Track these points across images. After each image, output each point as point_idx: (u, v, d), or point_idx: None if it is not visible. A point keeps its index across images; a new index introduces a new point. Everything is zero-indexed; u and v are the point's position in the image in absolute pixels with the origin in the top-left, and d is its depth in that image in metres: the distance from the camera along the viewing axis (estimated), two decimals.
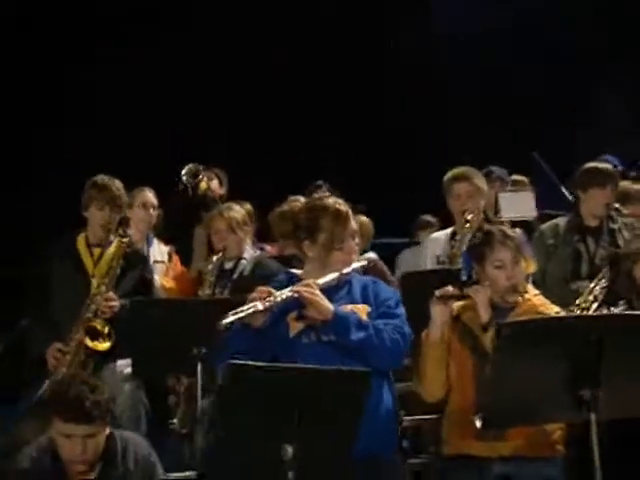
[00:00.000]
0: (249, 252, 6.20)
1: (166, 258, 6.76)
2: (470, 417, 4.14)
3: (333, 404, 3.62)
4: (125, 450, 4.10)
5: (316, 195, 8.65)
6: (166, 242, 6.89)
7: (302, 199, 4.85)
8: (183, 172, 7.40)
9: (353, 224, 4.33)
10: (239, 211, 6.21)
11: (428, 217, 8.51)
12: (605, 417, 3.57)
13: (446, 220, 6.65)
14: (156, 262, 6.63)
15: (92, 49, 10.49)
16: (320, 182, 8.86)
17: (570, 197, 8.96)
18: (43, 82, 10.31)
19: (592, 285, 5.93)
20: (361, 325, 4.12)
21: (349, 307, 4.22)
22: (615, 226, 6.25)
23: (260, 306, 3.98)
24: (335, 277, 4.24)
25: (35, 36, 10.46)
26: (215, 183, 7.43)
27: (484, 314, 4.35)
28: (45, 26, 10.58)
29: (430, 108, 10.81)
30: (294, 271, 4.45)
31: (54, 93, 10.36)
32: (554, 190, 8.68)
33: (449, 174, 6.33)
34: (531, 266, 4.52)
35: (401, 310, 4.29)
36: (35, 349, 5.73)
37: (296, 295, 4.08)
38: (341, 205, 4.32)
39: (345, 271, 4.27)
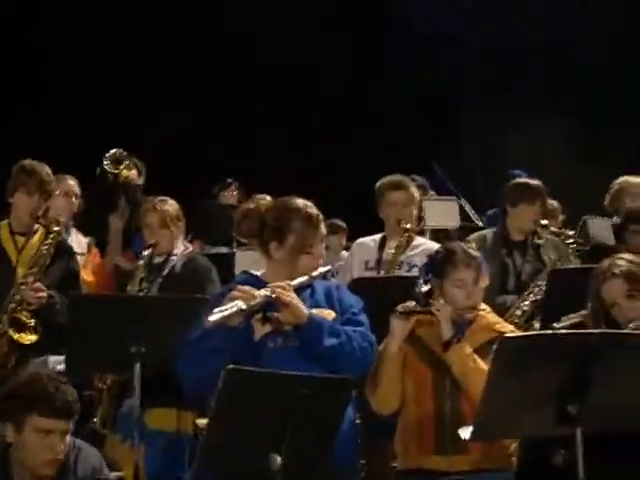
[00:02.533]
0: (179, 248, 6.03)
1: (85, 249, 6.52)
2: (435, 430, 4.22)
3: (320, 412, 3.55)
4: (77, 458, 3.93)
5: (225, 192, 8.77)
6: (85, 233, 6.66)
7: (268, 198, 4.73)
8: (105, 157, 7.14)
9: (323, 228, 4.25)
10: (172, 205, 6.03)
11: (338, 221, 8.48)
12: (590, 431, 3.61)
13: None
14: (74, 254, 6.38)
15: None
16: (230, 180, 8.80)
17: (466, 207, 9.15)
18: None
19: (520, 299, 6.08)
20: (334, 331, 4.03)
21: (314, 311, 4.12)
22: (540, 241, 6.36)
23: (243, 305, 3.85)
24: (305, 280, 4.16)
25: None
26: (134, 173, 7.20)
27: (446, 331, 4.32)
28: None
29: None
30: (253, 272, 4.33)
31: None
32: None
33: (384, 181, 6.31)
34: (486, 281, 4.53)
35: (365, 317, 4.23)
36: None
37: (273, 296, 3.97)
38: (312, 208, 4.23)
39: (314, 274, 4.19)
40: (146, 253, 5.84)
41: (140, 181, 7.27)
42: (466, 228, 7.45)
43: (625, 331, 3.99)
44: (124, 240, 6.91)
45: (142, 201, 6.60)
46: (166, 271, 5.89)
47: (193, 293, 5.26)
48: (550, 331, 4.18)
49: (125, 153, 7.12)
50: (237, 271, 5.75)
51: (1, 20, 10.44)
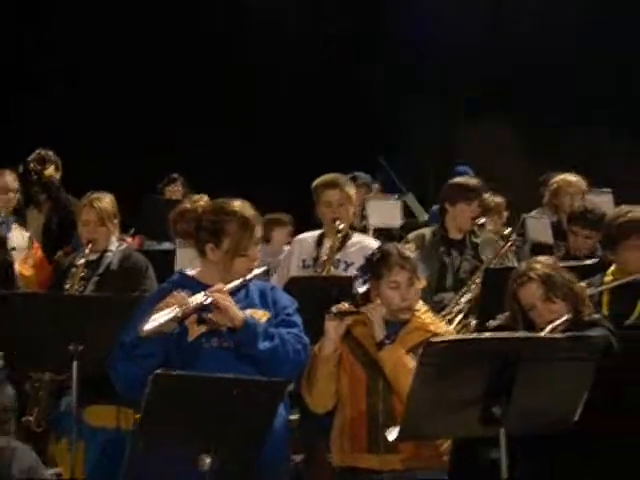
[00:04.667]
0: (114, 245, 6.05)
1: (26, 244, 6.52)
2: (361, 429, 4.29)
3: (251, 413, 3.61)
4: (12, 458, 3.96)
5: (171, 188, 8.79)
6: None
7: (206, 198, 4.76)
8: (30, 158, 7.21)
9: (258, 231, 4.30)
10: (109, 202, 6.04)
11: (282, 215, 8.51)
12: (513, 432, 3.70)
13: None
14: (13, 249, 6.39)
15: None
16: (175, 175, 8.82)
17: (413, 203, 9.25)
18: None
19: (457, 297, 6.17)
20: (268, 334, 4.09)
21: (248, 312, 4.17)
22: (478, 240, 6.46)
23: (178, 312, 3.90)
24: (240, 283, 4.21)
25: None
26: (52, 168, 7.26)
27: (379, 332, 4.39)
28: None
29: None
30: (188, 272, 4.37)
31: None
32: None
33: (319, 181, 6.27)
34: (422, 283, 4.60)
35: (299, 318, 4.28)
36: None
37: (209, 301, 4.02)
38: (249, 211, 4.26)
39: (249, 277, 4.24)
40: (87, 251, 5.86)
41: (57, 176, 7.34)
42: (409, 226, 7.53)
43: (542, 335, 4.08)
44: (62, 236, 6.94)
45: (64, 198, 6.64)
46: (102, 268, 5.90)
47: (130, 290, 5.29)
48: (473, 335, 4.28)
49: (50, 153, 7.18)
50: (177, 267, 5.79)
51: None
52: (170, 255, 6.33)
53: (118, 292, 5.39)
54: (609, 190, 7.54)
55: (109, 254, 5.96)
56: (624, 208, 5.10)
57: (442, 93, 11.19)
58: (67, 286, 5.79)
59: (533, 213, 7.57)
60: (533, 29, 11.14)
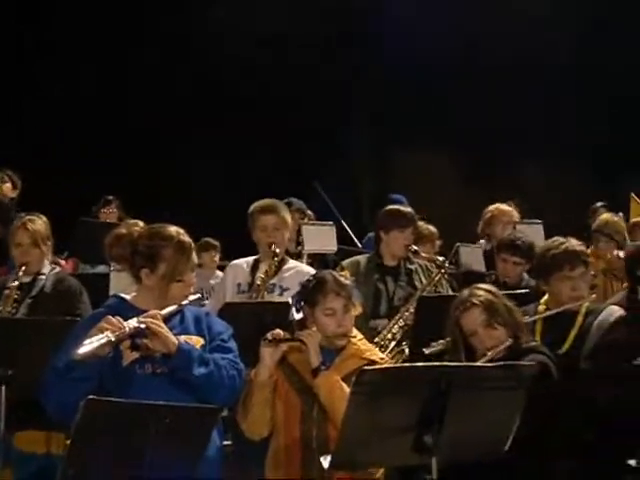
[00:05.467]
0: (47, 267, 6.00)
1: None
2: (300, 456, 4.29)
3: (183, 440, 3.59)
4: None
5: (106, 210, 8.73)
6: None
7: (141, 224, 4.75)
8: None
9: (194, 257, 4.30)
10: (43, 224, 5.99)
11: (210, 239, 8.55)
12: (445, 461, 3.73)
13: None
14: None
15: None
16: (110, 197, 8.77)
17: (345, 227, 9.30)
18: None
19: (391, 324, 6.20)
20: (203, 360, 4.08)
21: (182, 338, 4.16)
22: (412, 267, 6.50)
23: (112, 337, 3.87)
24: (175, 309, 4.20)
25: None
26: (8, 186, 7.17)
27: (315, 359, 4.39)
28: None
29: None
30: (123, 295, 4.35)
31: None
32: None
33: (255, 205, 6.29)
34: (357, 309, 4.62)
35: (234, 344, 4.28)
36: None
37: (143, 326, 4.00)
38: (184, 236, 4.27)
39: (184, 303, 4.24)
40: (21, 273, 5.80)
41: (14, 194, 7.25)
42: (344, 252, 7.56)
43: (477, 364, 4.13)
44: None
45: (14, 216, 6.56)
46: (35, 291, 5.85)
47: (63, 314, 5.24)
48: (408, 363, 4.29)
49: (10, 172, 7.10)
50: (112, 291, 5.75)
51: None
52: (105, 279, 6.30)
53: (51, 315, 5.34)
54: (539, 221, 7.67)
55: (42, 277, 5.91)
56: (557, 239, 5.18)
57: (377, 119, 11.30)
58: (0, 307, 5.72)
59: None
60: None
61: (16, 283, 5.76)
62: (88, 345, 3.82)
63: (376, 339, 6.02)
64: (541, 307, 5.07)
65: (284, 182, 8.77)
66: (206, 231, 8.62)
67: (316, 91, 11.32)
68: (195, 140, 10.93)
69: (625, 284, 6.41)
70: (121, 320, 3.97)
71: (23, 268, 5.81)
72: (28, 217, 6.01)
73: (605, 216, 7.46)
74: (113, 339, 3.88)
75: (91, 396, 3.52)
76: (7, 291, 5.75)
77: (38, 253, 5.89)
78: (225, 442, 4.79)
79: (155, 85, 10.98)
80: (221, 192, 10.32)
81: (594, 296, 5.44)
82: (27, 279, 5.88)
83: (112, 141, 10.76)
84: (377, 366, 3.95)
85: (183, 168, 10.70)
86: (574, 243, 5.08)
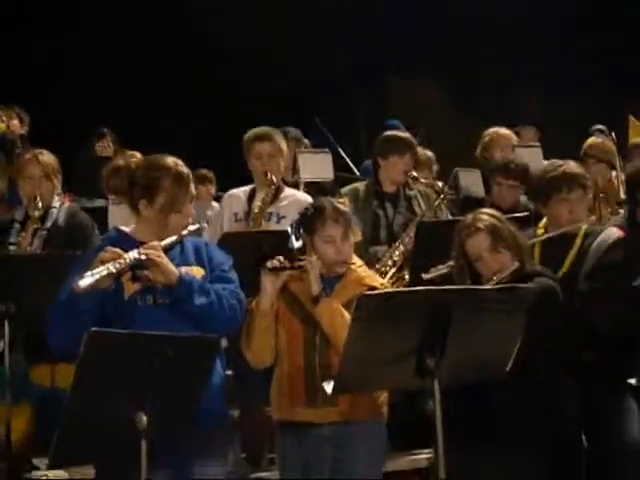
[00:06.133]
0: (57, 201, 5.99)
1: None
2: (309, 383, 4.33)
3: (186, 370, 3.61)
4: None
5: (100, 143, 8.67)
6: None
7: (139, 155, 4.71)
8: None
9: (193, 187, 4.28)
10: (52, 157, 5.94)
11: (205, 171, 8.52)
12: (445, 383, 3.75)
13: None
14: None
15: None
16: (104, 130, 8.71)
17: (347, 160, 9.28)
18: None
19: (391, 250, 6.22)
20: (203, 290, 4.08)
21: (183, 269, 4.15)
22: (411, 193, 6.50)
23: (113, 269, 3.88)
24: (174, 240, 4.19)
25: None
26: (15, 122, 7.13)
27: (315, 287, 4.40)
28: None
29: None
30: (122, 228, 4.34)
31: None
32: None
33: (250, 134, 6.26)
34: (357, 236, 4.63)
35: (235, 275, 4.28)
36: None
37: (143, 257, 4.00)
38: (182, 167, 4.23)
39: (184, 233, 4.22)
40: (40, 206, 5.77)
41: (23, 130, 7.22)
42: (342, 179, 7.53)
43: (480, 287, 4.14)
44: None
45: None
46: (49, 224, 5.84)
47: (79, 248, 5.23)
48: (409, 288, 4.31)
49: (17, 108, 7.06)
50: (111, 224, 5.75)
51: None
52: (103, 212, 6.30)
53: (64, 249, 5.32)
54: (538, 144, 7.62)
55: (54, 210, 5.89)
56: (556, 162, 5.16)
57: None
58: (13, 240, 5.71)
59: None
60: None
61: (36, 213, 5.71)
62: (89, 277, 3.82)
63: (377, 265, 6.04)
64: (540, 230, 5.07)
65: (284, 116, 8.70)
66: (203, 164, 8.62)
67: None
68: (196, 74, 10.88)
69: (610, 209, 6.47)
70: (121, 252, 3.97)
71: (38, 201, 5.75)
72: (37, 150, 5.98)
73: (590, 140, 7.40)
74: (114, 270, 3.88)
75: (94, 328, 3.53)
76: (17, 224, 5.72)
77: (49, 186, 5.86)
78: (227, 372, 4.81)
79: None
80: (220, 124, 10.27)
81: (593, 218, 5.44)
82: (39, 212, 5.85)
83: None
84: (378, 291, 3.95)
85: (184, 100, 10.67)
86: (572, 166, 5.06)
